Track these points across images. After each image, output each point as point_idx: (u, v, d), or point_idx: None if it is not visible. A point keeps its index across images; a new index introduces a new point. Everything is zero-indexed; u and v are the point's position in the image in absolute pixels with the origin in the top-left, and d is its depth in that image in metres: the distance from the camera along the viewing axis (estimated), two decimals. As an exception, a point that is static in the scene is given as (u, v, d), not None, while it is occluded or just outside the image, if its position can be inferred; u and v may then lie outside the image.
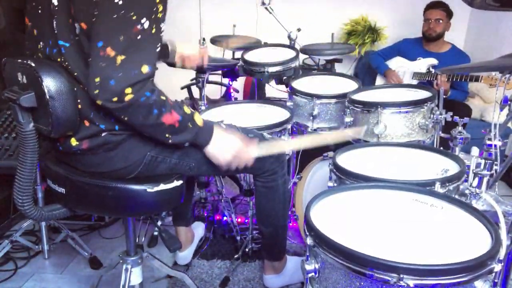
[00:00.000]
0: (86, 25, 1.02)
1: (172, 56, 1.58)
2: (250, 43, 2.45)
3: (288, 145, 1.65)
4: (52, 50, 1.08)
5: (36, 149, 1.12)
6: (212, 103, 2.07)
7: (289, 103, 1.96)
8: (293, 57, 2.06)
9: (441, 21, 2.91)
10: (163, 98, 1.07)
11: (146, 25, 0.99)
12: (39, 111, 1.08)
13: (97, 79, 0.97)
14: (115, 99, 0.98)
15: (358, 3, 3.67)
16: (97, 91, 0.98)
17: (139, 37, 0.98)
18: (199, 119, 1.19)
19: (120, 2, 0.96)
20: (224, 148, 1.24)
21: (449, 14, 2.92)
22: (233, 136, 1.27)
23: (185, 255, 1.96)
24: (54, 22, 1.05)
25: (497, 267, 0.80)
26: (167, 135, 1.12)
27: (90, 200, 1.19)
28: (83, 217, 2.31)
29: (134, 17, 0.97)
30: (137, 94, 1.00)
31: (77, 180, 1.17)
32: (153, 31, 1.01)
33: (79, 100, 1.08)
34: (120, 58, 0.97)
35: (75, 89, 1.07)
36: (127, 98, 0.99)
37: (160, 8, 1.01)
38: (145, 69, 0.99)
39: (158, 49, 1.03)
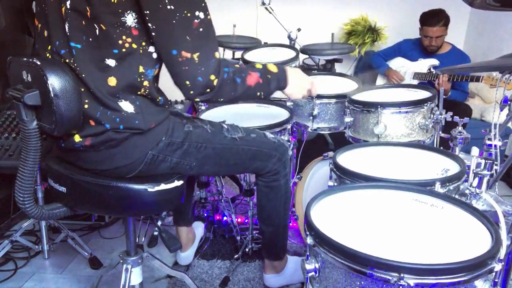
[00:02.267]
0: (106, 26, 1.03)
1: None
2: (250, 43, 2.45)
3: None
4: (60, 51, 1.09)
5: (39, 147, 1.12)
6: (212, 103, 2.07)
7: (289, 103, 1.97)
8: (293, 57, 2.06)
9: (441, 36, 2.88)
10: (237, 65, 1.19)
11: (201, 15, 1.06)
12: (43, 109, 1.08)
13: (187, 82, 1.08)
14: (208, 90, 1.11)
15: (358, 3, 3.67)
16: (192, 92, 1.10)
17: (201, 29, 1.07)
18: (272, 67, 1.32)
19: (172, 7, 1.02)
20: (300, 86, 1.43)
21: (447, 22, 2.86)
22: (300, 73, 1.45)
23: (187, 255, 1.96)
24: (67, 24, 1.06)
25: (497, 266, 0.80)
26: (259, 93, 1.26)
27: (91, 199, 1.19)
28: (83, 217, 2.31)
29: (189, 14, 1.04)
30: (220, 76, 1.12)
31: (78, 179, 1.18)
32: (209, 17, 1.09)
33: (86, 101, 1.09)
34: (196, 56, 1.06)
35: (82, 89, 1.08)
36: (215, 83, 1.11)
37: None
38: (217, 54, 1.11)
39: (215, 31, 1.12)
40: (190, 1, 1.04)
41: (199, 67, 1.07)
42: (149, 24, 1.04)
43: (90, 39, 1.06)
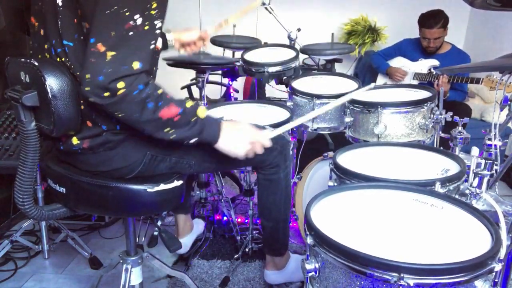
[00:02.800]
0: (89, 24, 1.02)
1: (171, 44, 1.59)
2: (250, 43, 2.45)
3: (298, 120, 1.57)
4: (57, 50, 1.09)
5: (37, 148, 1.12)
6: (212, 103, 2.07)
7: (289, 103, 1.96)
8: (293, 57, 2.06)
9: (439, 39, 2.88)
10: (160, 91, 1.05)
11: (139, 21, 0.97)
12: (41, 110, 1.08)
13: (88, 76, 0.96)
14: (106, 94, 0.97)
15: (358, 3, 3.67)
16: (87, 88, 0.97)
17: (131, 33, 0.97)
18: (202, 112, 1.14)
19: None
20: (237, 140, 1.20)
21: (446, 23, 2.85)
22: (242, 124, 1.24)
23: (183, 242, 1.95)
24: (59, 22, 1.06)
25: (497, 266, 0.80)
26: (166, 130, 1.08)
27: (91, 200, 1.19)
28: (83, 217, 2.31)
29: (127, 13, 0.96)
30: (130, 87, 0.98)
31: (77, 180, 1.18)
32: (146, 27, 0.99)
33: (82, 101, 1.08)
34: (110, 54, 0.95)
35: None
36: (119, 92, 0.97)
37: (154, 5, 0.99)
38: (136, 65, 0.98)
39: (152, 46, 1.01)
40: (136, 2, 0.97)
41: (107, 67, 0.95)
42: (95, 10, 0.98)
43: (81, 37, 1.06)
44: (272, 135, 1.29)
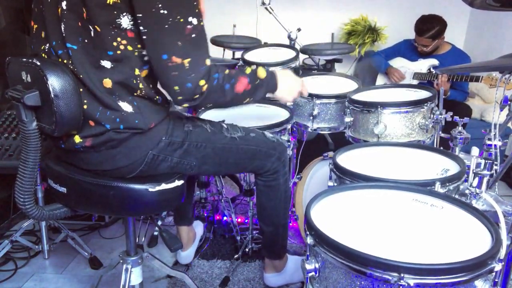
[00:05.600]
0: (101, 28, 1.03)
1: None
2: (250, 43, 2.45)
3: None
4: (58, 51, 1.09)
5: (38, 148, 1.12)
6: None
7: (289, 103, 1.96)
8: (293, 57, 2.06)
9: (427, 46, 2.90)
10: (226, 71, 1.17)
11: (194, 21, 1.04)
12: (43, 110, 1.08)
13: (176, 88, 1.07)
14: (196, 96, 1.10)
15: (358, 3, 3.67)
16: (181, 97, 1.09)
17: (193, 35, 1.05)
18: (262, 72, 1.30)
19: (166, 12, 1.00)
20: (290, 88, 1.43)
21: (438, 34, 2.84)
22: (292, 76, 1.46)
23: (187, 254, 1.96)
24: (62, 25, 1.06)
25: (498, 266, 0.80)
26: (247, 100, 1.26)
27: (91, 199, 1.19)
28: (83, 217, 2.31)
29: (182, 20, 1.02)
30: (209, 82, 1.10)
31: (78, 180, 1.18)
32: (202, 23, 1.07)
33: (85, 101, 1.09)
34: (186, 62, 1.05)
35: (81, 90, 1.08)
36: (204, 89, 1.09)
37: (195, 2, 1.05)
38: (208, 61, 1.09)
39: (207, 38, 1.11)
40: (184, 6, 1.02)
41: (189, 73, 1.06)
42: (141, 27, 1.03)
43: (86, 41, 1.06)
44: (309, 86, 1.59)
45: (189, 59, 1.04)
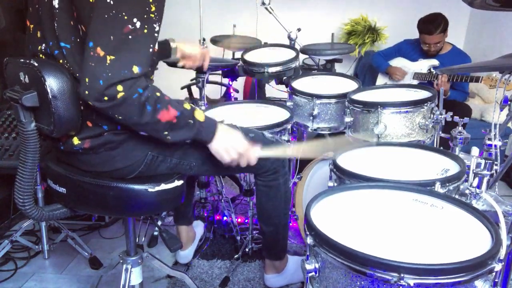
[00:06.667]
0: (86, 27, 1.02)
1: (174, 54, 1.58)
2: (250, 43, 2.45)
3: (291, 150, 1.60)
4: (54, 51, 1.08)
5: (37, 149, 1.12)
6: (212, 103, 2.07)
7: (289, 103, 1.97)
8: (293, 57, 2.06)
9: (439, 43, 2.87)
10: (158, 94, 1.05)
11: (137, 25, 0.98)
12: (41, 111, 1.08)
13: (87, 79, 0.96)
14: (106, 98, 0.97)
15: (358, 3, 3.67)
16: (86, 92, 0.97)
17: (130, 37, 0.97)
18: (200, 114, 1.16)
19: (112, 2, 0.96)
20: (229, 145, 1.22)
21: (446, 27, 2.84)
22: (238, 133, 1.26)
23: (186, 253, 1.96)
24: (55, 24, 1.06)
25: (498, 266, 0.80)
26: (165, 133, 1.10)
27: (91, 200, 1.19)
28: (83, 217, 2.31)
29: (126, 17, 0.96)
30: (129, 91, 0.98)
31: (78, 180, 1.18)
32: (145, 31, 0.99)
33: (81, 102, 1.08)
34: (109, 58, 0.96)
35: (78, 90, 1.07)
36: (119, 96, 0.97)
37: (153, 8, 1.00)
38: (135, 69, 0.98)
39: (151, 50, 1.02)
40: (134, 7, 0.97)
41: (106, 71, 0.95)
42: (91, 13, 0.98)
43: (78, 40, 1.05)
44: (261, 154, 1.30)
45: (113, 57, 0.96)
